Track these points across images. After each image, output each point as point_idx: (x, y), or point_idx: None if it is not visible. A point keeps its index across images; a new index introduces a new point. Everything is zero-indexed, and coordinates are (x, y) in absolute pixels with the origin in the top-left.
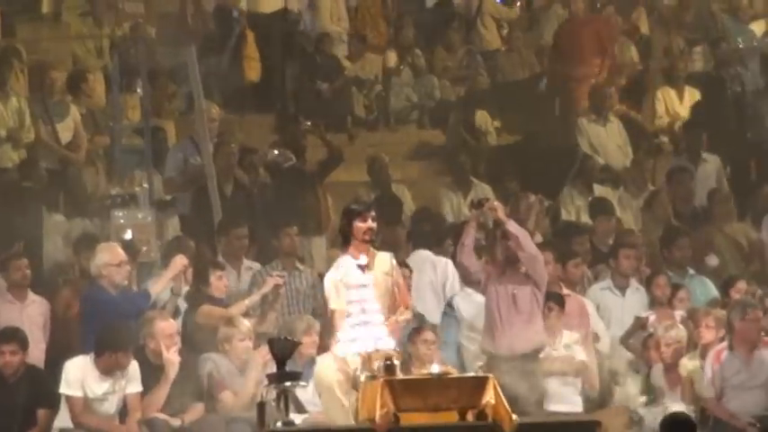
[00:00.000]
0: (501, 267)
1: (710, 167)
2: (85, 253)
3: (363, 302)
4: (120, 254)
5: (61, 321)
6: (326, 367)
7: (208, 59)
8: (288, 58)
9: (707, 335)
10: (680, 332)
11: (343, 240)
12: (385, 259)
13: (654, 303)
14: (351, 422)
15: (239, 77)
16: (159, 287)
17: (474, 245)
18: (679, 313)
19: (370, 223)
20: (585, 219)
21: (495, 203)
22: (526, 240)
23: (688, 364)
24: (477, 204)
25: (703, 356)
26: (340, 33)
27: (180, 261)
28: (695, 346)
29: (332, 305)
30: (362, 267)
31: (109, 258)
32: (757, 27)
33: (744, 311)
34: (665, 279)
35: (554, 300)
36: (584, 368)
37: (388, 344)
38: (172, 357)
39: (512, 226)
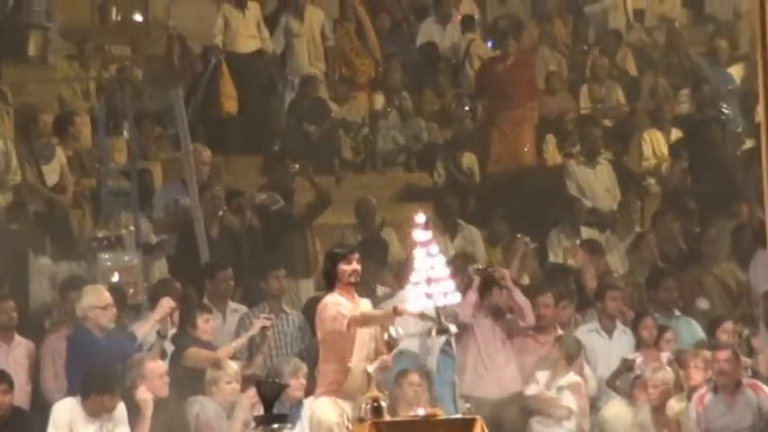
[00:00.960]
0: (492, 315)
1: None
2: (71, 295)
3: None
4: (107, 297)
5: (48, 364)
6: (326, 409)
7: (190, 98)
8: (268, 97)
9: (696, 376)
10: (667, 374)
11: (328, 284)
12: (367, 304)
13: (640, 345)
14: None
15: (218, 113)
16: (145, 330)
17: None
18: (666, 355)
19: (355, 265)
20: (572, 261)
21: (504, 271)
22: (527, 310)
23: (675, 405)
24: (483, 271)
25: (690, 398)
26: (318, 75)
27: (167, 303)
28: (682, 389)
29: (346, 314)
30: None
31: (95, 301)
32: (735, 71)
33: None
34: (652, 321)
35: (571, 342)
36: (569, 415)
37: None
38: (146, 397)
39: (518, 296)
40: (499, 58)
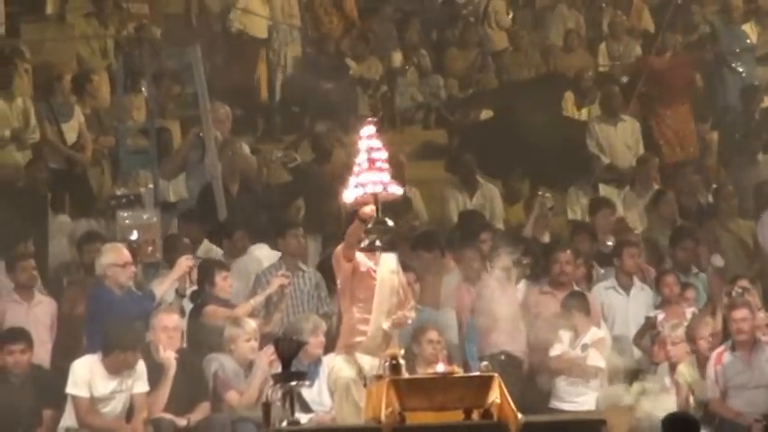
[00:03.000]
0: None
1: None
2: (90, 252)
3: None
4: (126, 254)
5: (67, 322)
6: (342, 366)
7: (213, 58)
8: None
9: (704, 346)
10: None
11: (349, 223)
12: (390, 259)
13: (663, 302)
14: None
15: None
16: (164, 288)
17: None
18: (691, 311)
19: (375, 210)
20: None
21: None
22: None
23: (686, 373)
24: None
25: (701, 366)
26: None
27: (185, 262)
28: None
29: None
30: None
31: (114, 259)
32: (749, 28)
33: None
34: (674, 278)
35: (578, 299)
36: (595, 374)
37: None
38: (168, 356)
39: None
40: None
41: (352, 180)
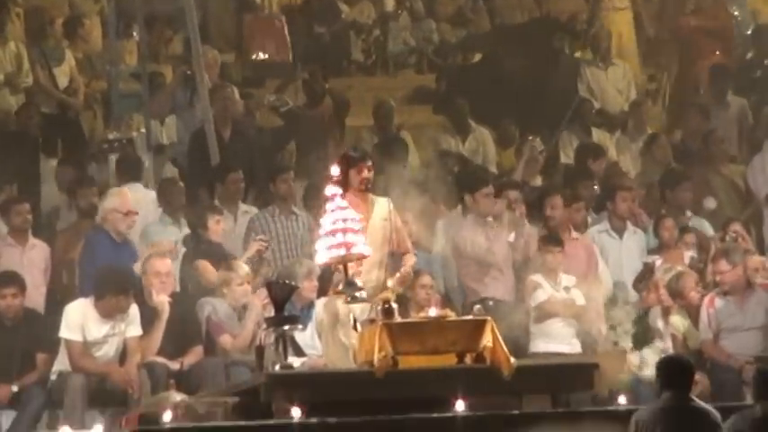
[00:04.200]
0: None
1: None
2: (85, 197)
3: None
4: (129, 202)
5: (59, 266)
6: (328, 308)
7: (205, 3)
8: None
9: (694, 297)
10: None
11: (341, 186)
12: (383, 204)
13: (661, 246)
14: (351, 363)
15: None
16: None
17: None
18: (689, 255)
19: (366, 174)
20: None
21: None
22: None
23: (679, 323)
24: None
25: (691, 315)
26: None
27: (256, 245)
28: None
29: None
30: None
31: (117, 204)
32: None
33: (728, 258)
34: (672, 222)
35: (553, 242)
36: (582, 312)
37: (364, 250)
38: (162, 300)
39: None
40: None
41: (323, 242)
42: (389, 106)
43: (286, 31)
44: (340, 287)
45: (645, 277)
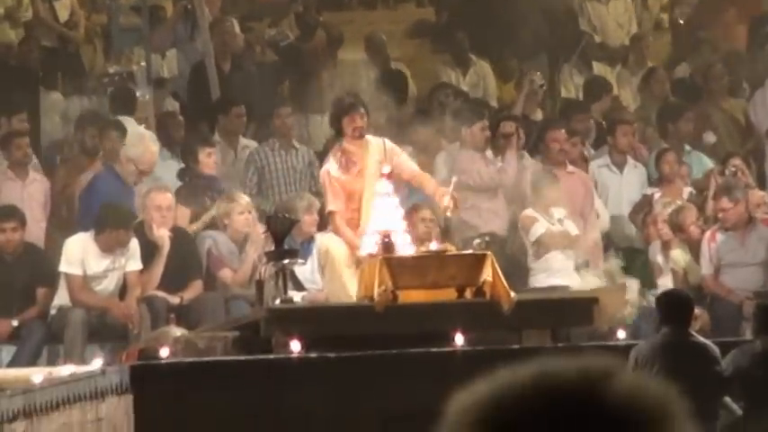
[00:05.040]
0: None
1: None
2: (93, 137)
3: None
4: (152, 158)
5: (59, 200)
6: (334, 242)
7: None
8: None
9: (694, 231)
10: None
11: (336, 131)
12: (377, 146)
13: (661, 180)
14: (353, 298)
15: None
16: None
17: None
18: (688, 190)
19: (359, 122)
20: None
21: None
22: None
23: (679, 260)
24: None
25: (691, 250)
26: None
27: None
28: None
29: (330, 206)
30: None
31: (138, 157)
32: None
33: (729, 195)
34: (675, 155)
35: (550, 177)
36: (579, 242)
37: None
38: (162, 234)
39: None
40: None
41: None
42: (380, 40)
43: None
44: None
45: (641, 209)
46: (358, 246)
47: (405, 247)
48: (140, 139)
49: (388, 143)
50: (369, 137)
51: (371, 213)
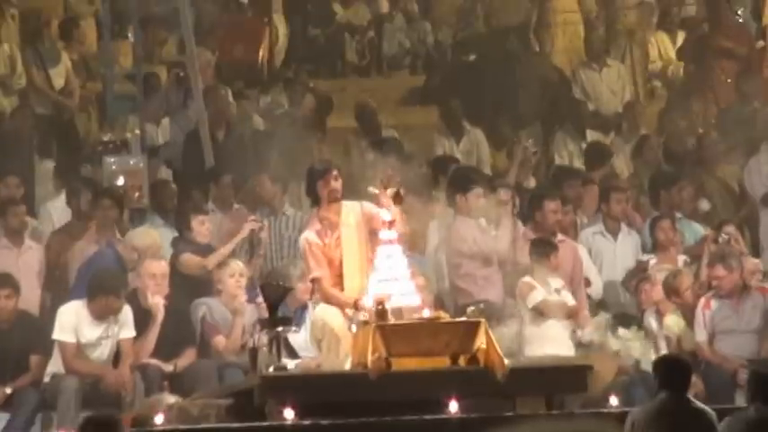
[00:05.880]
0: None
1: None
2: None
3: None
4: (157, 251)
5: (54, 268)
6: (329, 311)
7: (199, 4)
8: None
9: (688, 297)
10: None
11: (313, 200)
12: (353, 209)
13: (656, 247)
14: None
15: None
16: (226, 250)
17: None
18: (683, 258)
19: (333, 184)
20: (578, 164)
21: None
22: None
23: (673, 326)
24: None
25: (686, 316)
26: None
27: (248, 225)
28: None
29: (315, 273)
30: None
31: (146, 246)
32: None
33: (724, 263)
34: (670, 222)
35: (549, 246)
36: (575, 312)
37: (413, 300)
38: (156, 301)
39: None
40: None
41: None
42: (371, 108)
43: (267, 32)
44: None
45: (635, 275)
46: (350, 304)
47: (409, 297)
48: (148, 233)
49: (366, 205)
50: (345, 202)
51: (376, 262)
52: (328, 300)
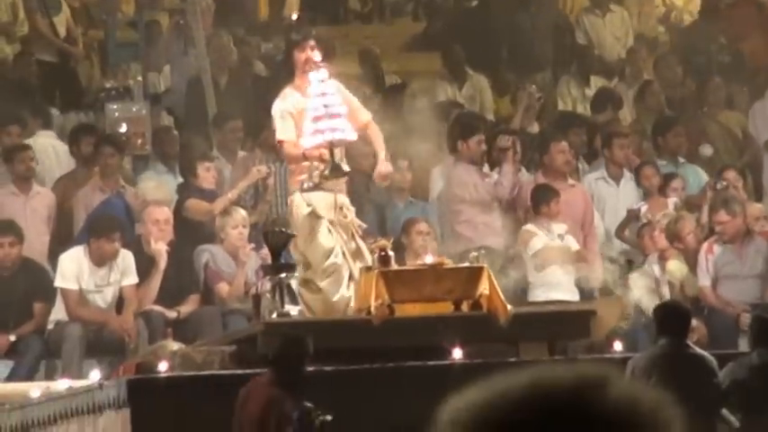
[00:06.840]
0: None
1: None
2: (88, 145)
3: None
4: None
5: (59, 214)
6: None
7: None
8: None
9: (690, 241)
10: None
11: (287, 74)
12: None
13: (646, 193)
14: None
15: None
16: (233, 194)
17: None
18: (672, 201)
19: (309, 53)
20: (581, 109)
21: None
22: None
23: (676, 271)
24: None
25: (688, 261)
26: None
27: (256, 171)
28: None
29: (280, 135)
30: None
31: (158, 199)
32: None
33: (727, 208)
34: (653, 169)
35: (551, 192)
36: (579, 257)
37: (350, 135)
38: (159, 247)
39: None
40: None
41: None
42: (374, 54)
43: None
44: (326, 172)
45: (627, 224)
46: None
47: (346, 133)
48: (160, 187)
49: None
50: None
51: (308, 102)
52: (290, 161)
